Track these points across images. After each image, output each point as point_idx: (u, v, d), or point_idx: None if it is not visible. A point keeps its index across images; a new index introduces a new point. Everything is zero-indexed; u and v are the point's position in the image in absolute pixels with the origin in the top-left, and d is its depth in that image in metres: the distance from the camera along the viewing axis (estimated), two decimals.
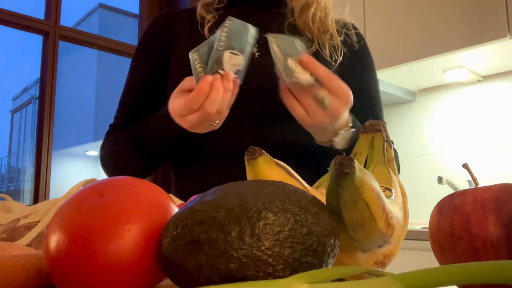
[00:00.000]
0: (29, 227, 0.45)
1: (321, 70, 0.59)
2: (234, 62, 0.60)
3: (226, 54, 0.60)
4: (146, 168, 0.79)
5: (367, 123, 0.47)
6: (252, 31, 0.62)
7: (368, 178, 0.27)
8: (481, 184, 0.33)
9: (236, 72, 0.61)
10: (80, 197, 0.30)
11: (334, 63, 0.79)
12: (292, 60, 0.59)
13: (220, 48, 0.60)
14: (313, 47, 0.78)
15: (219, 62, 0.60)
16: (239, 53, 0.60)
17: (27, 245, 0.43)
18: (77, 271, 0.27)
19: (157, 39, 0.84)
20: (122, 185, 0.31)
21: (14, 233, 0.45)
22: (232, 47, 0.60)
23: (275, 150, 0.58)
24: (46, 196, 2.43)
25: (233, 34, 0.61)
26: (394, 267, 0.43)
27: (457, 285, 0.22)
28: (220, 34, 0.60)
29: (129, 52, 2.89)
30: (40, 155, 2.43)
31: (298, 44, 0.61)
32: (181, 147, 0.74)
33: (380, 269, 0.35)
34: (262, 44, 0.71)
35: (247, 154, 0.32)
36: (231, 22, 0.61)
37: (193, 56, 0.61)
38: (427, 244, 1.47)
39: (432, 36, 1.86)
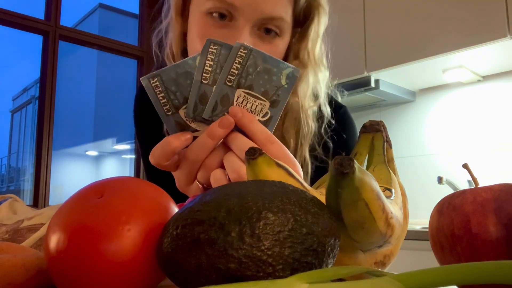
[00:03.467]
0: (31, 229, 0.45)
1: (258, 128, 0.45)
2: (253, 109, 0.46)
3: (239, 93, 0.45)
4: None
5: (367, 123, 0.47)
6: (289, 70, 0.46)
7: (367, 178, 0.27)
8: (481, 184, 0.33)
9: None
10: (80, 197, 0.30)
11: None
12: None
13: (228, 83, 0.45)
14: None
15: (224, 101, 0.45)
16: (262, 97, 0.46)
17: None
18: (77, 271, 0.27)
19: (146, 122, 0.79)
20: (122, 185, 0.31)
21: (16, 234, 0.45)
22: (250, 86, 0.46)
23: None
24: (46, 196, 2.43)
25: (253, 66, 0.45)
26: (394, 267, 0.43)
27: (457, 285, 0.22)
28: (234, 60, 0.45)
29: (129, 52, 2.90)
30: (40, 155, 2.44)
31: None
32: None
33: (380, 269, 0.35)
34: None
35: (247, 154, 0.32)
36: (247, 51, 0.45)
37: (151, 82, 0.44)
38: (427, 244, 1.47)
39: (432, 36, 1.86)
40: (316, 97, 0.73)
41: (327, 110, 0.77)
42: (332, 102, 0.79)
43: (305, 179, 0.70)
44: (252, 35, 0.61)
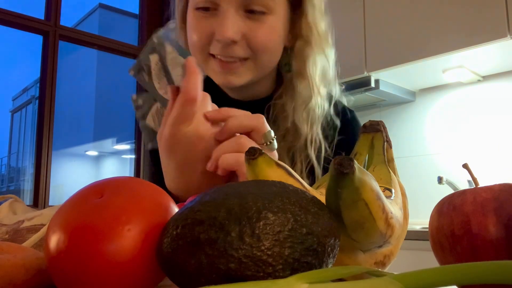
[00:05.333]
0: (32, 229, 0.45)
1: (234, 112, 0.49)
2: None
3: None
4: None
5: (367, 123, 0.47)
6: None
7: (367, 178, 0.27)
8: (481, 184, 0.33)
9: None
10: (80, 197, 0.30)
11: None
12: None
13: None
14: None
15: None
16: None
17: None
18: (77, 271, 0.27)
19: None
20: (122, 185, 0.31)
21: (16, 234, 0.45)
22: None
23: None
24: (46, 196, 2.43)
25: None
26: (394, 267, 0.43)
27: (457, 285, 0.22)
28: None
29: (129, 52, 2.89)
30: (40, 155, 2.44)
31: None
32: None
33: (380, 269, 0.35)
34: None
35: (247, 154, 0.32)
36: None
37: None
38: (427, 244, 1.46)
39: (432, 36, 1.86)
40: (325, 76, 0.73)
41: (336, 91, 0.77)
42: (340, 106, 0.79)
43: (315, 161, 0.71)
44: (239, 17, 0.63)
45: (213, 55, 0.67)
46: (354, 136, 0.76)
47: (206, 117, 0.48)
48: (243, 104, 0.75)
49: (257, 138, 0.49)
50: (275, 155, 0.51)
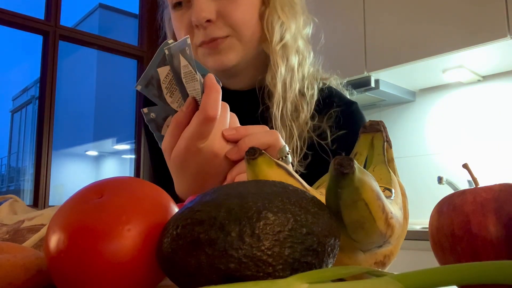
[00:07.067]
0: (32, 229, 0.45)
1: (247, 130, 0.49)
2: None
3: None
4: None
5: (367, 123, 0.47)
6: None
7: (367, 178, 0.27)
8: (481, 184, 0.33)
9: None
10: (80, 197, 0.30)
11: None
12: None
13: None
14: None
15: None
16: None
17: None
18: (77, 271, 0.27)
19: None
20: (122, 185, 0.31)
21: (16, 234, 0.45)
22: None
23: None
24: (46, 196, 2.43)
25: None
26: (394, 267, 0.43)
27: (457, 285, 0.22)
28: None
29: (129, 52, 2.89)
30: (40, 155, 2.43)
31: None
32: None
33: (380, 269, 0.35)
34: None
35: (247, 154, 0.32)
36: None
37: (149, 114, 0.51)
38: (427, 244, 1.46)
39: (432, 36, 1.86)
40: (296, 42, 0.73)
41: (333, 82, 0.79)
42: (341, 97, 0.79)
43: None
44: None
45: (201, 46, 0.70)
46: (357, 129, 0.76)
47: (225, 137, 0.48)
48: (243, 94, 0.77)
49: (273, 153, 0.49)
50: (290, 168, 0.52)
